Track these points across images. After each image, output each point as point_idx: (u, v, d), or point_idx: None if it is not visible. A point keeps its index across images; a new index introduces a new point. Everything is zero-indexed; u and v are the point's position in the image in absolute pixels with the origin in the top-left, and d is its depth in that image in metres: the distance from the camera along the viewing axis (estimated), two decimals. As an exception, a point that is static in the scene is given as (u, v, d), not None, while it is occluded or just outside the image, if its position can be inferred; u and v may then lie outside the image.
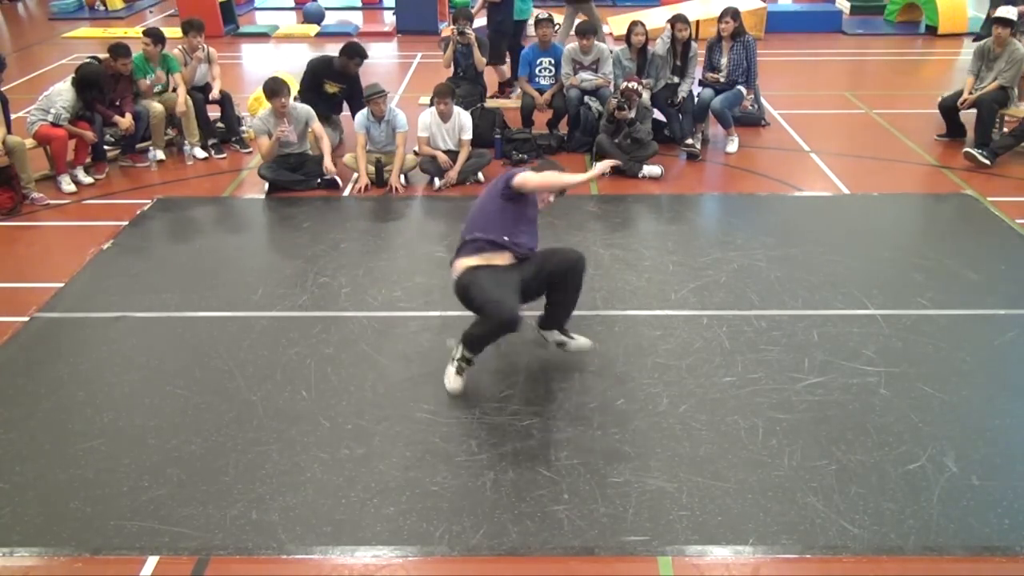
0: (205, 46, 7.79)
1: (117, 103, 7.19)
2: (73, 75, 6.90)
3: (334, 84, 7.67)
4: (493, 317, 4.03)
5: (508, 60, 9.12)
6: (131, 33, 13.11)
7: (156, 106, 7.38)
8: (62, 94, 6.79)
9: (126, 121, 7.14)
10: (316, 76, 7.62)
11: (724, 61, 7.51)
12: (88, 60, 7.17)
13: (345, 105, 7.84)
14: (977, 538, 3.33)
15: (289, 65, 10.43)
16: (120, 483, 3.66)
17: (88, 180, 7.03)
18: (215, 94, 7.77)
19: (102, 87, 6.93)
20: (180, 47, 7.73)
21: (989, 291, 5.17)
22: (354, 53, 7.58)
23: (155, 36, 7.43)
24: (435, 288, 5.30)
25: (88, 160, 7.12)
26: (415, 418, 4.07)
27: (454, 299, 5.12)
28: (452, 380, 4.22)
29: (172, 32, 12.64)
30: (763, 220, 6.29)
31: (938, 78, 10.16)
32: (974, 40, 7.77)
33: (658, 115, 7.74)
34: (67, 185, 6.84)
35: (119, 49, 7.11)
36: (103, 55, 7.28)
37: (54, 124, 6.73)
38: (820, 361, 4.47)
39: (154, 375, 4.44)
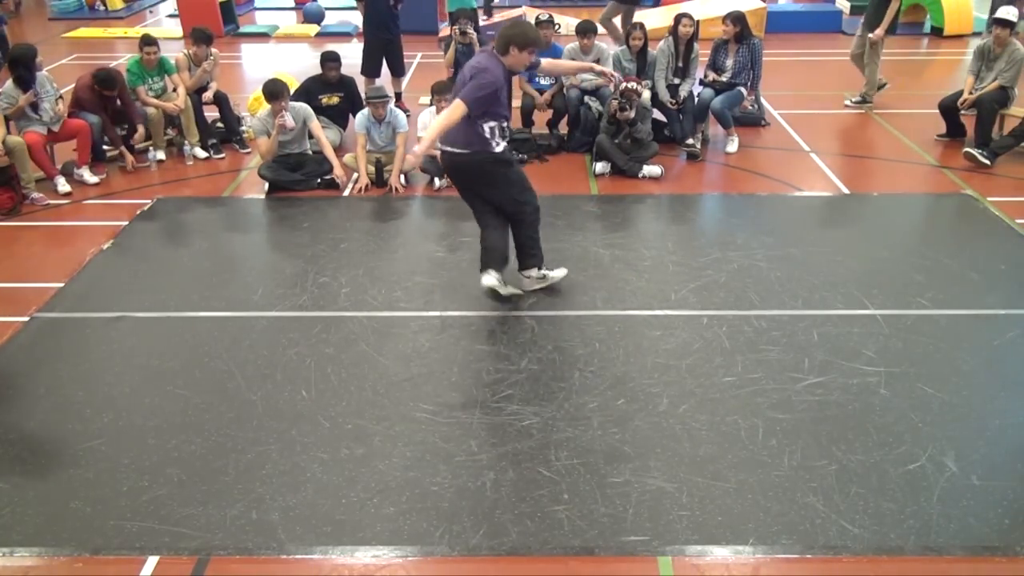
0: (213, 54, 7.77)
1: (119, 109, 7.26)
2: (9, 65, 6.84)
3: (331, 96, 7.70)
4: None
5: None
6: (131, 33, 13.15)
7: (152, 109, 7.38)
8: (3, 89, 6.77)
9: (140, 135, 7.30)
10: (310, 94, 7.57)
11: (729, 63, 7.51)
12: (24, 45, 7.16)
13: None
14: (977, 538, 3.33)
15: (289, 65, 10.44)
16: (120, 483, 3.66)
17: (94, 180, 7.03)
18: (208, 96, 7.70)
19: (29, 67, 6.73)
20: (184, 52, 7.73)
21: (989, 291, 5.17)
22: (327, 59, 7.63)
23: (152, 42, 7.43)
24: (435, 288, 5.30)
25: (88, 160, 7.12)
26: (415, 418, 4.07)
27: (454, 299, 5.16)
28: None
29: (170, 33, 12.74)
30: (763, 220, 6.29)
31: (940, 79, 10.16)
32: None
33: (658, 115, 7.74)
34: (63, 186, 6.83)
35: (107, 82, 7.04)
36: (118, 58, 7.31)
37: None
38: (820, 361, 4.47)
39: (154, 375, 4.44)
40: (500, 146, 4.78)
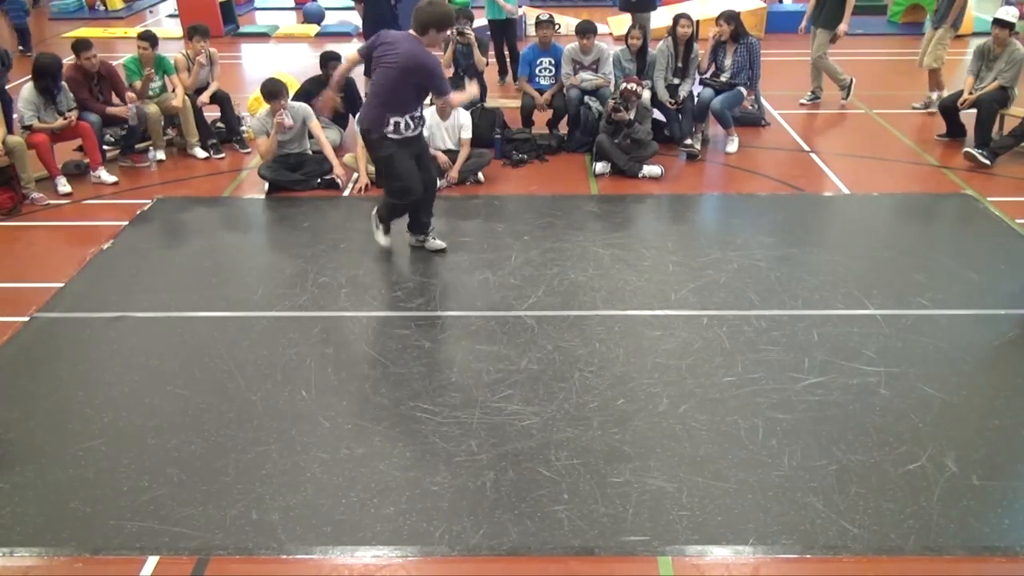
0: (209, 51, 7.76)
1: (104, 98, 7.22)
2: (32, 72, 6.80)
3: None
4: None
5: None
6: (131, 33, 13.14)
7: (152, 107, 7.36)
8: (23, 95, 6.76)
9: (123, 109, 7.14)
10: (311, 96, 7.50)
11: (728, 63, 7.51)
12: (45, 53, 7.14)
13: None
14: (977, 538, 3.33)
15: (289, 65, 10.44)
16: (120, 483, 3.66)
17: (112, 179, 7.02)
18: (204, 99, 7.65)
19: (55, 77, 6.77)
20: (182, 52, 7.72)
21: (989, 291, 5.17)
22: (328, 58, 7.60)
23: (150, 39, 7.43)
24: (435, 288, 5.30)
25: (101, 161, 7.11)
26: (415, 418, 4.07)
27: (454, 299, 5.17)
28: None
29: (170, 33, 12.74)
30: (763, 220, 6.29)
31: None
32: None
33: (658, 115, 7.74)
34: (63, 186, 6.83)
35: (81, 43, 7.00)
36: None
37: (28, 128, 6.70)
38: (820, 361, 4.47)
39: (154, 375, 4.45)
40: (397, 132, 5.24)
